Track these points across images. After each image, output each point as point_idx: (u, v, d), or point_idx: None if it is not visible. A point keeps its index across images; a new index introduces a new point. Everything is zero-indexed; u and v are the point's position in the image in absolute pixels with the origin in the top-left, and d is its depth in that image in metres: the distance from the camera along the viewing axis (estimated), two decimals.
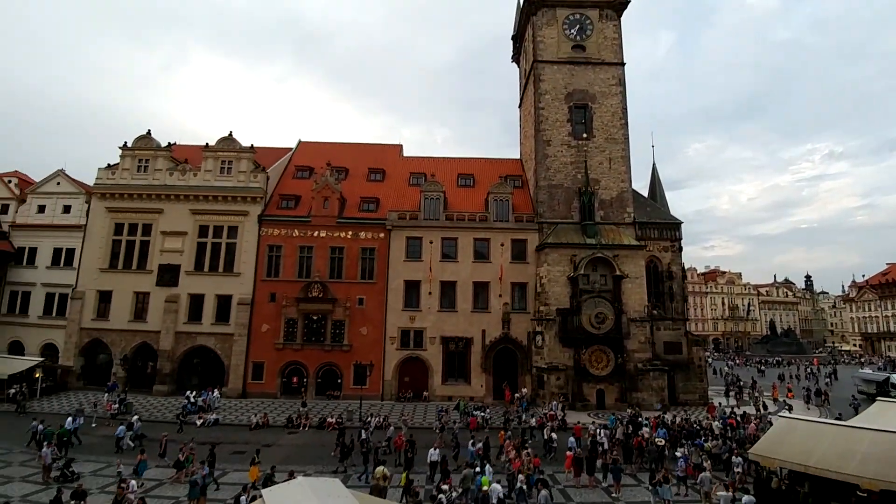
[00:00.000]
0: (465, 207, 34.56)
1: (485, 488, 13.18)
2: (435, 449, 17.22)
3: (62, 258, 33.60)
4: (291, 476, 12.41)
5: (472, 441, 18.12)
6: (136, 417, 22.26)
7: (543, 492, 12.92)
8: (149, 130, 35.52)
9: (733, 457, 17.45)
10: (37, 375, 28.84)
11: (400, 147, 42.45)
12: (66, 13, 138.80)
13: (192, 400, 26.76)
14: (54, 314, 32.84)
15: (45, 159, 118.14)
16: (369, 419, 23.44)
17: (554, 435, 20.24)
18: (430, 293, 32.36)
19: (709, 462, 16.67)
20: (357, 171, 38.36)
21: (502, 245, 33.11)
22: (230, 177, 33.98)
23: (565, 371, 29.74)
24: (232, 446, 20.22)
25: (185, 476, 15.64)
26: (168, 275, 32.56)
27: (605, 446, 19.05)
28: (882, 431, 13.44)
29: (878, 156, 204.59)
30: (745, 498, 12.83)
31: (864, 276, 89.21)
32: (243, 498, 11.99)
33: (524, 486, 13.65)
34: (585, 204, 32.79)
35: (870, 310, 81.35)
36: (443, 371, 31.75)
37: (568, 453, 16.98)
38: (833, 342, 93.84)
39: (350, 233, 33.30)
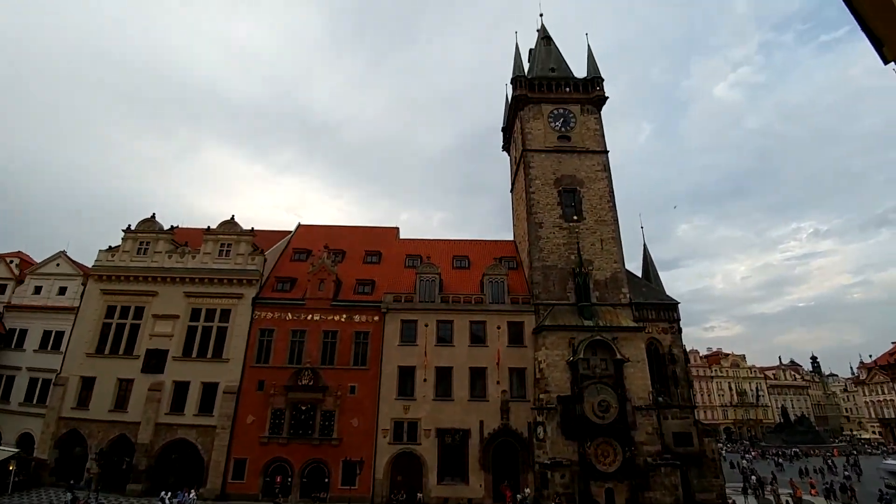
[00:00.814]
0: (461, 289, 34.43)
1: None
2: None
3: (51, 341, 32.64)
4: None
5: None
6: None
7: None
8: (153, 214, 36.37)
9: None
10: (11, 468, 26.69)
11: (396, 230, 43.34)
12: (92, 101, 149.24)
13: (168, 502, 24.40)
14: (35, 401, 31.09)
15: (52, 242, 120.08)
16: None
17: None
18: (425, 380, 31.03)
19: None
20: (354, 253, 38.75)
21: (499, 328, 32.45)
22: (228, 259, 34.16)
23: (570, 467, 27.58)
24: None
25: None
26: (154, 360, 31.37)
27: None
28: None
29: (865, 233, 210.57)
30: None
31: (871, 356, 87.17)
32: None
33: None
34: (580, 285, 32.75)
35: (884, 392, 78.20)
36: (438, 468, 29.34)
37: None
38: (851, 430, 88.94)
39: (344, 316, 32.75)
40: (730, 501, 28.34)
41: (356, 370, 31.34)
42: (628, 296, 33.58)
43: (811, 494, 31.77)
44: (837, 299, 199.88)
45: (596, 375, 29.27)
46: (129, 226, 35.47)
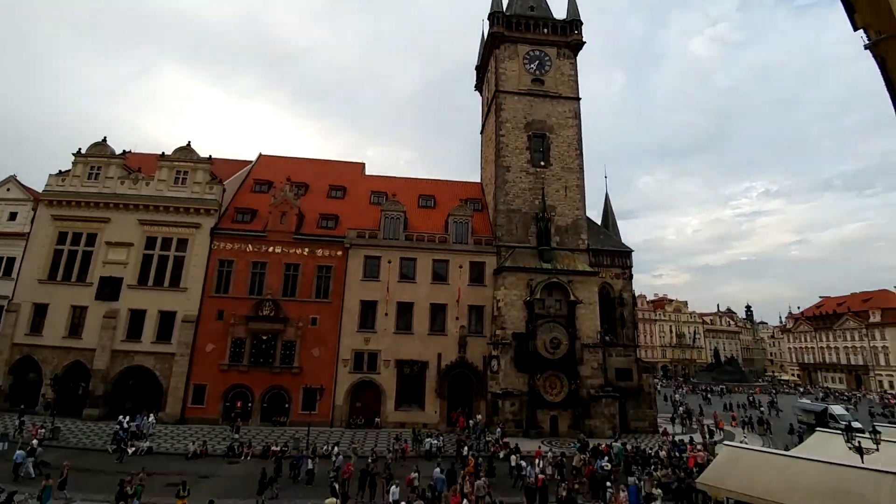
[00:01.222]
0: (426, 228, 34.60)
1: None
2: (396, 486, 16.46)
3: (2, 268, 31.16)
4: None
5: (438, 468, 17.79)
6: (35, 441, 20.15)
7: None
8: (104, 137, 34.02)
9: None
10: None
11: (362, 165, 42.27)
12: (43, 23, 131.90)
13: (126, 426, 24.69)
14: None
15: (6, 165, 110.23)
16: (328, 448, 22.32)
17: (523, 463, 19.90)
18: (386, 314, 31.83)
19: (659, 490, 16.87)
20: (317, 187, 37.78)
21: (461, 267, 33.21)
22: (184, 188, 32.61)
23: (520, 397, 29.72)
24: (165, 478, 18.48)
25: None
26: (108, 288, 30.48)
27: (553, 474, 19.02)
28: (825, 463, 13.68)
29: (811, 195, 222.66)
30: None
31: (798, 308, 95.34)
32: None
33: None
34: (542, 229, 33.58)
35: (806, 341, 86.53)
36: (396, 396, 30.97)
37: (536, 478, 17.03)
38: (773, 372, 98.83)
39: (307, 250, 32.49)
40: (660, 429, 31.54)
41: (318, 303, 31.66)
42: (586, 242, 34.80)
43: (731, 426, 35.73)
44: (776, 256, 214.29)
45: (550, 315, 30.87)
46: (80, 149, 33.11)
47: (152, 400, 29.21)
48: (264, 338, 30.64)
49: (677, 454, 23.11)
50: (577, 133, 36.64)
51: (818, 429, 22.57)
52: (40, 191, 32.65)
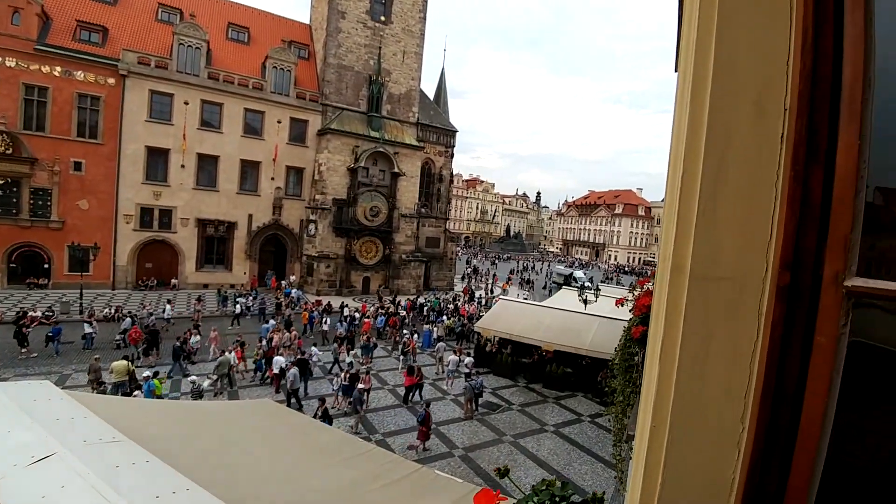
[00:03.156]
0: (236, 68, 28.98)
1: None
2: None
3: None
4: None
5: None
6: None
7: (293, 370, 13.50)
8: None
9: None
10: None
11: None
12: None
13: None
14: None
15: None
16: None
17: (326, 318, 21.20)
18: (182, 166, 27.13)
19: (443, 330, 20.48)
20: None
21: (279, 122, 29.69)
22: None
23: (336, 260, 30.49)
24: None
25: None
26: None
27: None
28: (558, 310, 18.89)
29: (604, 106, 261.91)
30: (467, 360, 16.34)
31: (573, 197, 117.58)
32: None
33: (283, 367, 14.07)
34: (374, 94, 31.83)
35: (571, 223, 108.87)
36: (198, 257, 28.26)
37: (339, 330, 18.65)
38: (544, 245, 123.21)
39: (59, 69, 24.09)
40: (454, 287, 37.16)
41: (83, 143, 24.84)
42: (417, 115, 34.62)
43: (507, 285, 44.28)
44: (569, 153, 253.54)
45: (373, 184, 31.07)
46: None
47: None
48: (1, 182, 23.24)
49: (456, 306, 27.89)
50: None
51: (564, 287, 30.34)
52: None
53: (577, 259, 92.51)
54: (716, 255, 0.90)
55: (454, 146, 38.01)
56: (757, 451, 0.91)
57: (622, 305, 4.77)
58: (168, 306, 21.26)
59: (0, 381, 10.31)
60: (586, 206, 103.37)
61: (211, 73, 27.63)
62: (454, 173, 47.45)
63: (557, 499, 1.14)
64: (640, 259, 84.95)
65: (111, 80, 25.18)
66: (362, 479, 3.37)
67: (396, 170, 31.59)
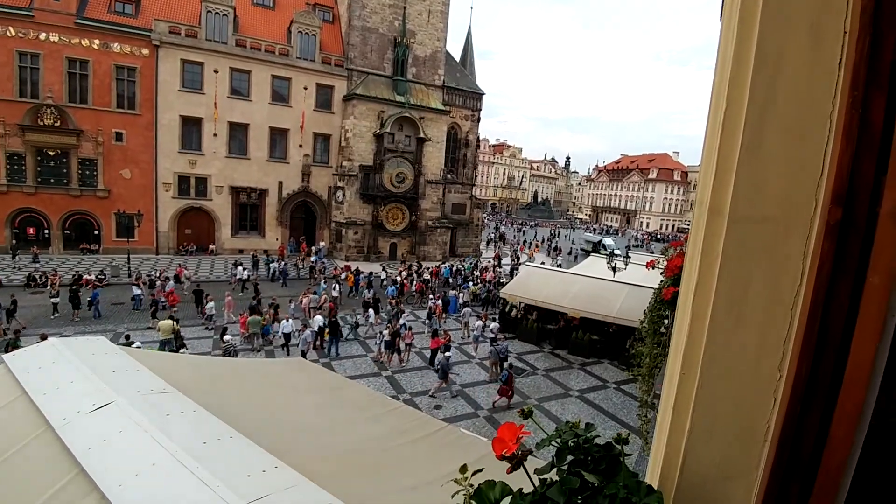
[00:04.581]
0: (262, 34, 28.79)
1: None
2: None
3: None
4: (43, 339, 10.29)
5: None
6: None
7: (307, 332, 14.32)
8: None
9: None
10: None
11: None
12: None
13: None
14: None
15: None
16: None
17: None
18: (215, 134, 27.65)
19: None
20: None
21: (306, 89, 29.59)
22: None
23: (363, 226, 30.86)
24: None
25: None
26: None
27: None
28: (586, 277, 18.67)
29: (643, 64, 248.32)
30: (493, 325, 16.50)
31: (604, 162, 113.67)
32: None
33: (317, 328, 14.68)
34: (399, 57, 31.14)
35: (601, 189, 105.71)
36: (233, 223, 29.17)
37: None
38: (573, 212, 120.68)
39: (97, 42, 24.57)
40: (480, 253, 37.23)
41: (123, 114, 25.58)
42: (443, 78, 33.79)
43: (535, 252, 43.90)
44: (601, 116, 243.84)
45: (399, 150, 30.88)
46: None
47: None
48: (52, 154, 24.43)
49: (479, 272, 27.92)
50: None
51: (592, 254, 29.86)
52: None
53: (607, 226, 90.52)
54: (759, 194, 0.85)
55: (481, 110, 37.10)
56: (795, 400, 0.88)
57: (653, 268, 4.65)
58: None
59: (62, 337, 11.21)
60: (618, 171, 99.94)
61: (238, 40, 27.60)
62: (480, 138, 46.60)
63: (581, 439, 1.12)
64: (673, 226, 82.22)
65: (145, 51, 25.56)
66: (390, 434, 3.48)
67: (422, 135, 31.21)
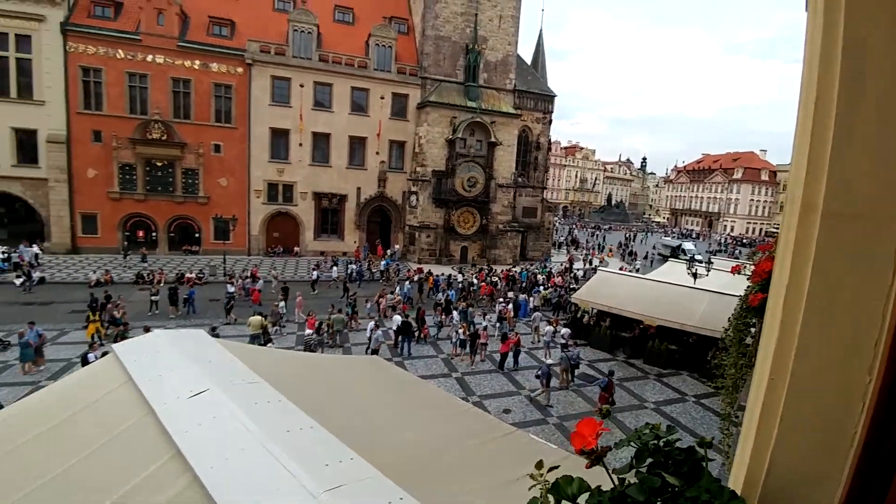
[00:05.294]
0: (343, 49, 30.57)
1: None
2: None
3: None
4: (147, 331, 11.76)
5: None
6: None
7: (378, 332, 15.00)
8: None
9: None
10: None
11: None
12: None
13: (3, 255, 22.50)
14: None
15: None
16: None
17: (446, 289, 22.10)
18: (300, 144, 29.79)
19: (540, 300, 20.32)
20: None
21: (382, 98, 30.93)
22: None
23: (435, 230, 31.50)
24: (69, 305, 18.02)
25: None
26: None
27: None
28: (664, 283, 17.62)
29: (721, 57, 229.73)
30: (563, 330, 16.09)
31: (683, 162, 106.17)
32: (91, 355, 11.13)
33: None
34: (471, 63, 31.50)
35: (681, 190, 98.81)
36: (315, 227, 31.19)
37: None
38: (649, 215, 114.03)
39: (198, 62, 27.59)
40: (552, 255, 36.47)
41: (220, 128, 28.43)
42: (514, 82, 33.66)
43: (608, 256, 42.07)
44: (679, 114, 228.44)
45: (470, 154, 31.20)
46: None
47: (32, 230, 26.37)
48: (159, 164, 27.68)
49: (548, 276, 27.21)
50: None
51: (671, 259, 28.07)
52: None
53: (687, 230, 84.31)
54: (852, 188, 0.82)
55: (552, 112, 36.39)
56: (883, 405, 0.84)
57: (739, 273, 4.32)
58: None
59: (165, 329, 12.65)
60: (699, 172, 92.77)
61: (322, 55, 29.54)
62: (552, 140, 45.64)
63: (662, 442, 1.09)
64: (760, 230, 74.67)
65: (239, 70, 28.22)
66: (461, 436, 3.50)
67: (493, 139, 31.27)
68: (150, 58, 26.74)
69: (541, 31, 38.79)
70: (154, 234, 28.27)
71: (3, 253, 22.76)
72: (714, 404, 12.28)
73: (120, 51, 26.32)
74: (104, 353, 11.11)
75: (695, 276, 19.02)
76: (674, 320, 15.22)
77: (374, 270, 26.97)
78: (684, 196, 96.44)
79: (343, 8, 32.86)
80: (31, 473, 2.34)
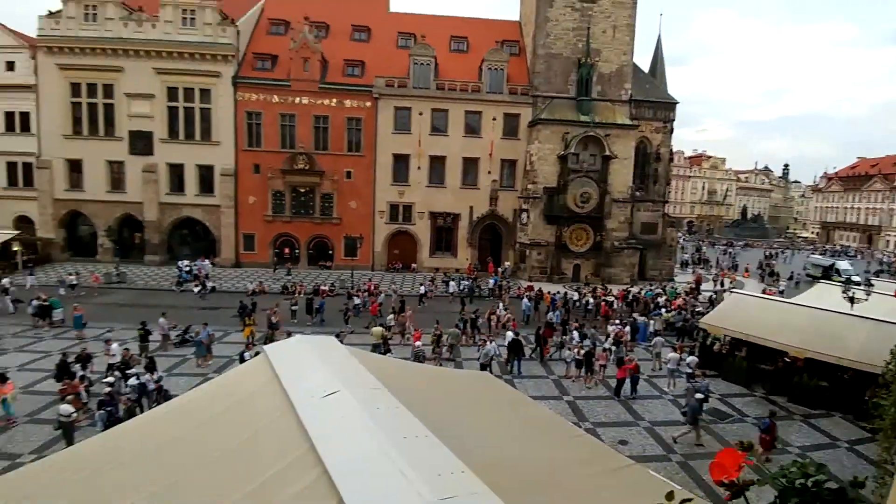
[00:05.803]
0: (458, 75, 32.38)
1: None
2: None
3: (16, 123, 30.55)
4: (289, 336, 13.81)
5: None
6: (6, 281, 22.70)
7: (489, 346, 15.28)
8: None
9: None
10: (15, 249, 28.41)
11: (386, 0, 37.83)
12: None
13: (187, 268, 27.79)
14: (21, 185, 31.00)
15: None
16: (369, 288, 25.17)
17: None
18: (419, 168, 32.10)
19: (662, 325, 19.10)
20: (339, 27, 34.61)
21: (494, 119, 32.02)
22: (194, 30, 30.37)
23: (546, 247, 31.33)
24: (232, 310, 21.23)
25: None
26: (141, 142, 30.83)
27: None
28: (813, 308, 15.32)
29: (877, 48, 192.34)
30: (690, 358, 14.99)
31: (835, 168, 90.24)
32: (247, 354, 13.39)
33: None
34: (583, 77, 31.10)
35: (833, 200, 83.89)
36: (431, 244, 33.15)
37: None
38: (794, 229, 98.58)
39: (334, 100, 31.44)
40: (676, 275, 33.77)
41: (351, 156, 31.92)
42: (629, 92, 32.40)
43: (744, 276, 37.61)
44: (825, 113, 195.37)
45: (583, 170, 30.58)
46: None
47: (207, 248, 32.12)
48: (302, 190, 31.88)
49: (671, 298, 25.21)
50: None
51: (821, 281, 24.26)
52: (33, 35, 30.12)
53: (841, 246, 71.46)
54: None
55: (673, 120, 34.14)
56: None
57: None
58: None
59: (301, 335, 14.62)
60: (854, 178, 78.27)
61: (438, 84, 31.72)
62: (674, 150, 42.59)
63: (810, 481, 1.02)
64: None
65: (368, 103, 31.51)
66: (572, 462, 3.40)
67: (608, 153, 30.32)
68: (297, 100, 31.20)
69: (659, 36, 37.28)
70: (297, 250, 32.53)
71: (188, 266, 28.07)
72: (870, 451, 10.55)
73: (275, 96, 31.14)
74: (256, 353, 13.34)
75: (852, 300, 16.40)
76: (826, 352, 13.23)
77: (482, 287, 27.65)
78: (837, 207, 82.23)
79: (458, 38, 34.85)
80: (201, 450, 2.83)
